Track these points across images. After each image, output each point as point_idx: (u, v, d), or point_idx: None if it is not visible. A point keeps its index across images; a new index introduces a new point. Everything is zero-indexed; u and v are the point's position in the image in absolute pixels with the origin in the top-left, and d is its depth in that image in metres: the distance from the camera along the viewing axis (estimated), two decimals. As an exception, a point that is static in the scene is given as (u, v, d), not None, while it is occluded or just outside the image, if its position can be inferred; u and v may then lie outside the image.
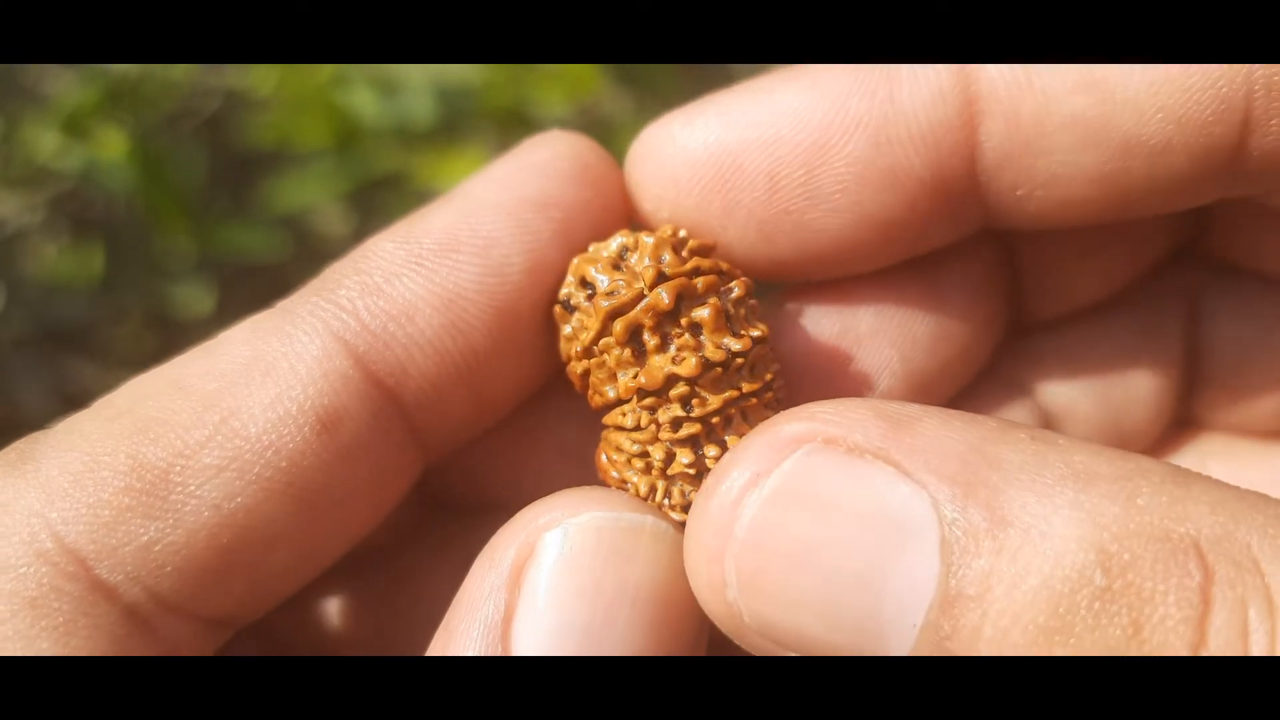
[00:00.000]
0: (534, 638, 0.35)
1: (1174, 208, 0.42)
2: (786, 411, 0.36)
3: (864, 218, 0.41)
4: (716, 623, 0.36)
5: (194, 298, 1.37)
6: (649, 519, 0.37)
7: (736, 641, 0.36)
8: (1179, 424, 0.52)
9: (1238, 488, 0.33)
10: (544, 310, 0.42)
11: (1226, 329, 0.50)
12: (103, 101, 1.33)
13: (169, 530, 0.36)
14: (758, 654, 0.36)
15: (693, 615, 0.36)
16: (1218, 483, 0.33)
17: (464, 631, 0.35)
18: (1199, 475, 0.33)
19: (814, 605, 0.33)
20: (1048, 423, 0.49)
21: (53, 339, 1.37)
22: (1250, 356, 0.50)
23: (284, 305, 0.40)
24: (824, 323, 0.45)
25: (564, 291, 0.42)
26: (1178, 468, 0.33)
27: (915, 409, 0.35)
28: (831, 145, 0.41)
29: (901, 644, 0.33)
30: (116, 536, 0.36)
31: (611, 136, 1.21)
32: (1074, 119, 0.39)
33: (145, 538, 0.36)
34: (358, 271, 0.40)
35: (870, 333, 0.45)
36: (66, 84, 1.43)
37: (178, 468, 0.37)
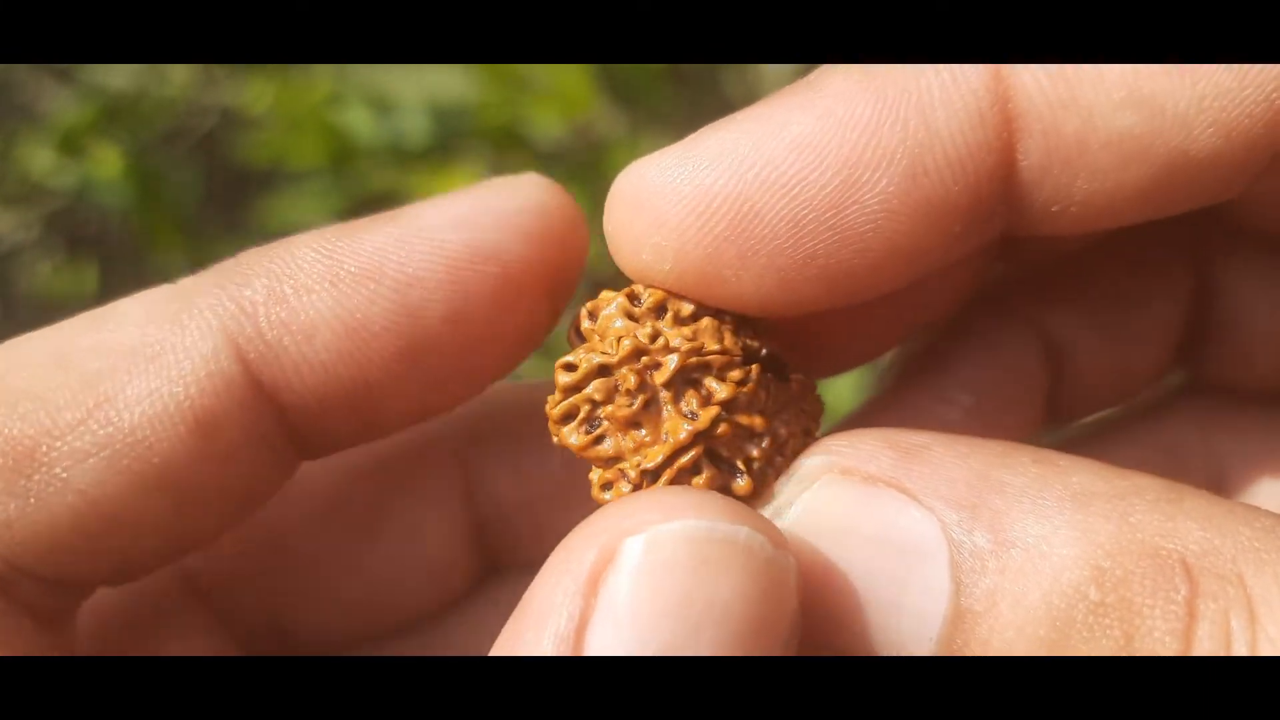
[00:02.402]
0: (610, 652, 0.32)
1: (1204, 205, 0.41)
2: (809, 448, 0.38)
3: (895, 253, 0.38)
4: None
5: (188, 315, 1.37)
6: (744, 530, 0.33)
7: None
8: (1185, 378, 0.53)
9: (1228, 502, 0.34)
10: (459, 357, 0.40)
11: (1233, 279, 0.50)
12: (98, 119, 1.33)
13: (29, 510, 0.36)
14: None
15: (780, 637, 0.34)
16: (1209, 498, 0.34)
17: (533, 639, 0.33)
18: (1192, 491, 0.34)
19: (837, 625, 0.35)
20: (1055, 356, 0.49)
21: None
22: (1255, 307, 0.50)
23: (185, 287, 0.39)
24: None
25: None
26: (1172, 485, 0.34)
27: (924, 436, 0.36)
28: (863, 182, 0.37)
29: (919, 656, 0.34)
30: None
31: (605, 156, 1.21)
32: (1120, 137, 0.37)
33: (3, 515, 0.36)
34: (269, 274, 0.39)
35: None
36: (62, 101, 1.43)
37: (43, 447, 0.36)
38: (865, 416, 0.49)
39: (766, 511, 0.37)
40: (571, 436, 0.38)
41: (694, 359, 0.38)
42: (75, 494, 0.36)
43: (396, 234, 0.39)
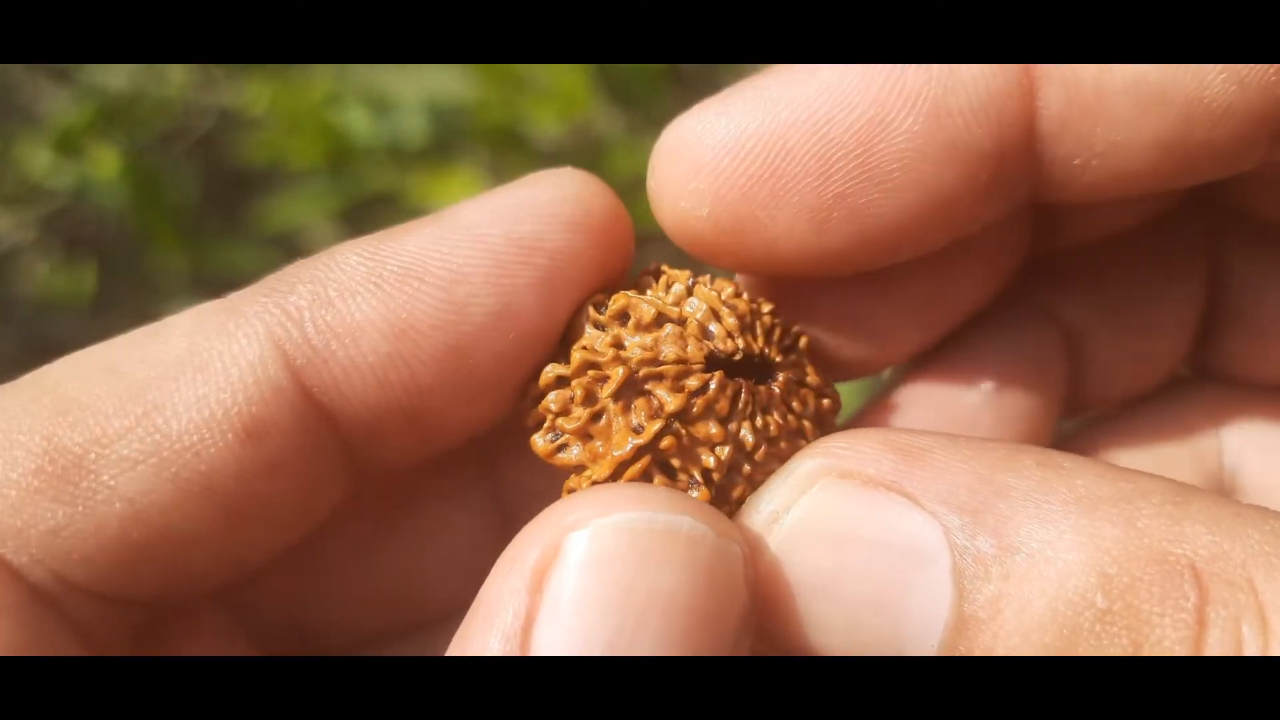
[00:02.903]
0: (556, 648, 0.32)
1: (1223, 174, 0.41)
2: (805, 449, 0.37)
3: (923, 196, 0.39)
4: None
5: (186, 316, 1.37)
6: (686, 520, 0.34)
7: None
8: (1197, 368, 0.53)
9: (1236, 504, 0.33)
10: (509, 357, 0.40)
11: (1246, 271, 0.51)
12: (96, 120, 1.33)
13: (77, 518, 0.35)
14: None
15: (730, 626, 0.34)
16: (1216, 499, 0.33)
17: (480, 638, 0.33)
18: (1198, 492, 0.34)
19: (838, 630, 0.35)
20: (1075, 346, 0.49)
21: (44, 357, 1.36)
22: (1267, 298, 0.50)
23: (233, 299, 0.39)
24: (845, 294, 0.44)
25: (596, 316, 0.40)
26: (1178, 486, 0.34)
27: (926, 439, 0.36)
28: (890, 121, 0.38)
29: None
30: (22, 518, 0.35)
31: (604, 156, 1.21)
32: (1135, 83, 0.38)
33: (52, 522, 0.35)
34: (314, 279, 0.38)
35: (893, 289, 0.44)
36: (60, 102, 1.43)
37: (93, 455, 0.36)
38: (883, 402, 0.48)
39: (763, 514, 0.36)
40: (540, 443, 0.39)
41: (645, 370, 0.38)
42: (123, 502, 0.36)
43: (438, 232, 0.39)
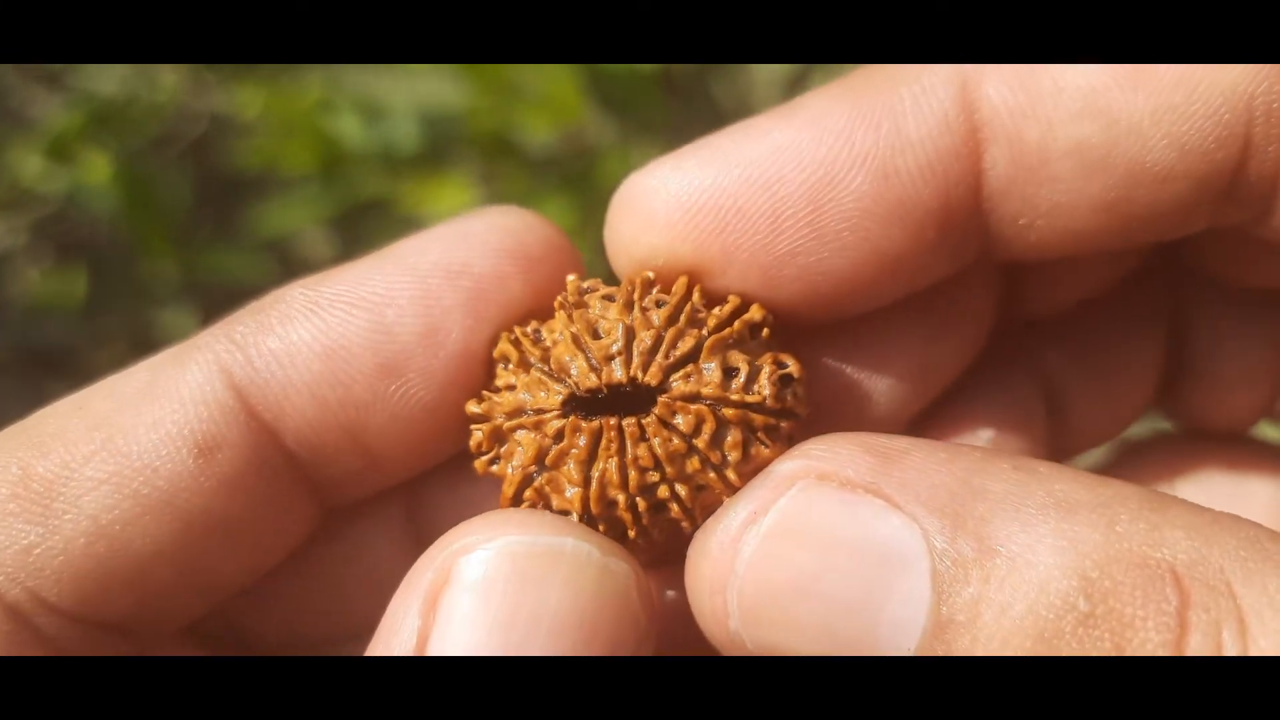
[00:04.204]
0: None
1: (1168, 236, 0.42)
2: (786, 453, 0.38)
3: (871, 254, 0.40)
4: (720, 649, 0.37)
5: (178, 322, 1.37)
6: (569, 541, 0.36)
7: None
8: (1163, 413, 0.55)
9: (1212, 511, 0.34)
10: (441, 377, 0.41)
11: (1203, 326, 0.52)
12: (87, 125, 1.33)
13: (48, 535, 0.38)
14: None
15: (623, 640, 0.36)
16: (1192, 507, 0.34)
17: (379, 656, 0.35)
18: (1174, 499, 0.34)
19: (813, 632, 0.35)
20: (1050, 396, 0.51)
21: (35, 362, 1.36)
22: (1223, 352, 0.52)
23: (194, 338, 0.42)
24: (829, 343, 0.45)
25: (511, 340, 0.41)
26: (1154, 492, 0.34)
27: (903, 442, 0.36)
28: (838, 181, 0.40)
29: None
30: None
31: (596, 163, 1.22)
32: (1078, 146, 0.39)
33: (25, 541, 0.38)
34: (261, 310, 0.42)
35: (872, 352, 0.44)
36: (51, 107, 1.43)
37: (63, 479, 0.39)
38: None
39: (740, 515, 0.36)
40: (481, 469, 0.41)
41: (508, 423, 0.40)
42: (88, 519, 0.38)
43: (376, 264, 0.42)
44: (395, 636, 0.35)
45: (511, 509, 0.39)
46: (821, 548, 0.35)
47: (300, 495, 0.42)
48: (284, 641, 0.48)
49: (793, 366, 0.40)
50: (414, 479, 0.45)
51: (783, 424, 0.39)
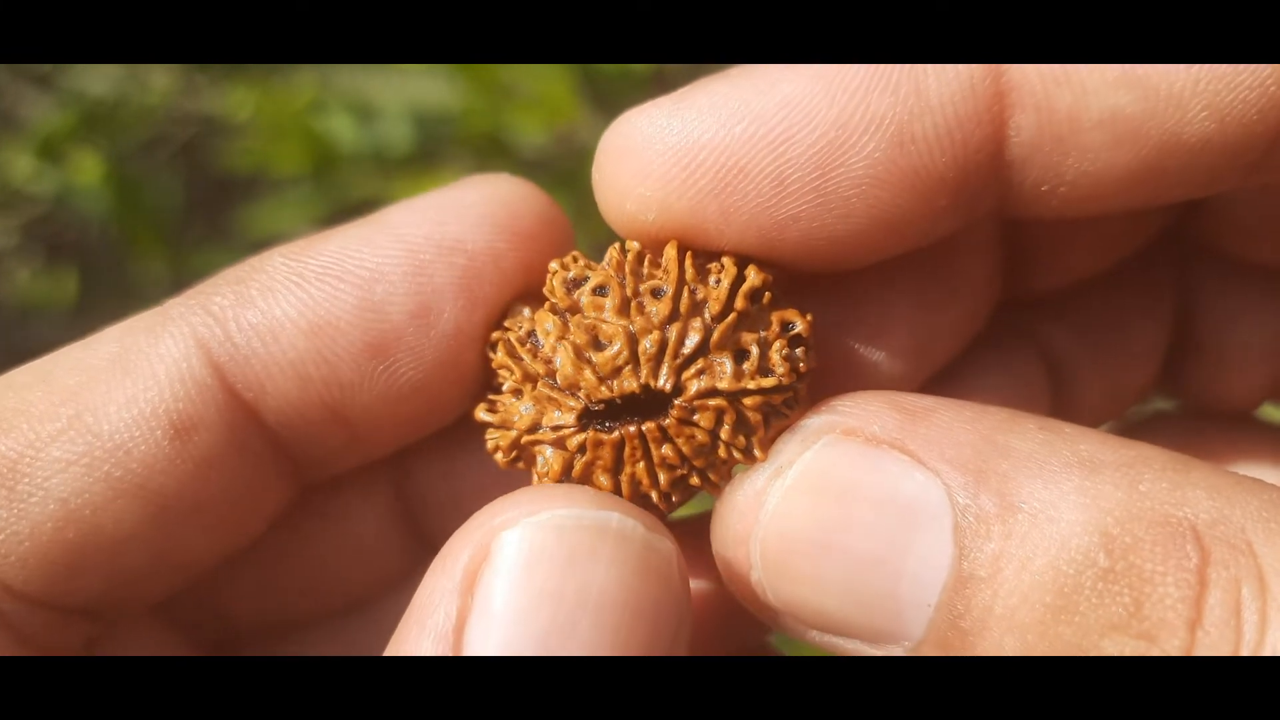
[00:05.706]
0: (487, 648, 0.32)
1: (1194, 197, 0.41)
2: (814, 408, 0.38)
3: (878, 221, 0.38)
4: (742, 601, 0.37)
5: (168, 322, 1.36)
6: (615, 516, 0.34)
7: (761, 619, 0.37)
8: (1166, 393, 0.54)
9: (1234, 473, 0.34)
10: (431, 356, 0.40)
11: (1209, 304, 0.52)
12: (78, 125, 1.33)
13: (13, 520, 0.36)
14: (781, 632, 0.38)
15: (666, 622, 0.34)
16: (1215, 469, 0.34)
17: (413, 639, 0.33)
18: (1197, 462, 0.34)
19: (835, 586, 0.35)
20: (1055, 373, 0.51)
21: (25, 363, 1.35)
22: (1229, 330, 0.51)
23: (164, 306, 0.39)
24: (831, 309, 0.43)
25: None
26: (1177, 455, 0.34)
27: (929, 401, 0.36)
28: (850, 145, 0.37)
29: (917, 621, 0.34)
30: None
31: (588, 164, 1.21)
32: (1113, 115, 0.37)
33: None
34: (239, 281, 0.39)
35: (876, 315, 0.43)
36: (42, 108, 1.42)
37: (27, 459, 0.36)
38: None
39: (766, 469, 0.36)
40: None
41: (526, 438, 0.39)
42: (56, 502, 0.36)
43: (362, 233, 0.40)
44: (430, 617, 0.33)
45: (552, 484, 0.37)
46: (845, 502, 0.35)
47: (278, 472, 0.40)
48: (262, 619, 0.47)
49: (800, 325, 0.39)
50: (404, 453, 0.44)
51: (800, 387, 0.38)
